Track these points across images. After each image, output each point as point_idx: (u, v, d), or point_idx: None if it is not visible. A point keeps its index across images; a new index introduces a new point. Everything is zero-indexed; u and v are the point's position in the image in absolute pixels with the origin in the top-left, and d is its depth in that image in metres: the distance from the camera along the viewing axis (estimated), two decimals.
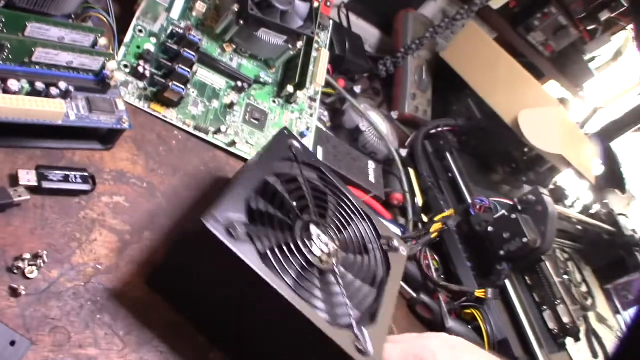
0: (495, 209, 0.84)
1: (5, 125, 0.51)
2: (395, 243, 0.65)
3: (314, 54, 0.83)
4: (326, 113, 0.88)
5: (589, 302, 1.02)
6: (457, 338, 0.61)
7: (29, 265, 0.50)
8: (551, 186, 1.26)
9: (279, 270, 0.50)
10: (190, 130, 0.69)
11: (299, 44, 0.76)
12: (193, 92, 0.71)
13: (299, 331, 0.51)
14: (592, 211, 1.19)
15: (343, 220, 0.61)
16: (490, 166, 1.09)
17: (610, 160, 1.27)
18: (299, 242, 0.54)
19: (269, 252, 0.50)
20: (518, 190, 1.16)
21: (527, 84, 0.97)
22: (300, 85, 0.77)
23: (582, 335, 0.97)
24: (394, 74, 1.05)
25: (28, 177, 0.53)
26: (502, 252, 0.82)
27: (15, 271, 0.49)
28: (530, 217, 0.83)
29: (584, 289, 1.04)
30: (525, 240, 0.80)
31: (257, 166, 0.57)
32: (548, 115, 0.93)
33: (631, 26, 1.27)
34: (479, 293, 0.82)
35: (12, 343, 0.46)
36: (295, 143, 0.62)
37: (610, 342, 1.05)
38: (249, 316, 0.54)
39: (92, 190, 0.56)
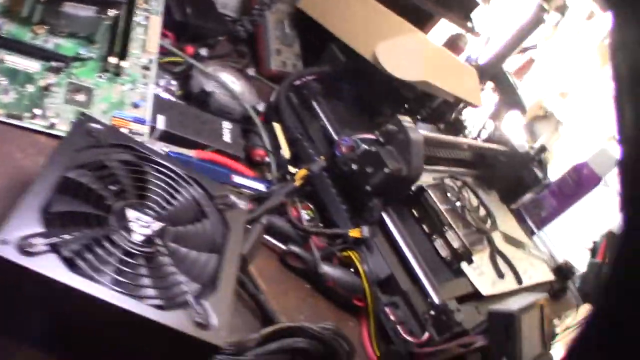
0: (357, 146, 0.82)
1: None
2: (232, 200, 0.63)
3: (142, 21, 0.80)
4: (174, 82, 0.85)
5: (488, 224, 1.01)
6: None
7: None
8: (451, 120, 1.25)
9: (92, 272, 0.47)
10: (2, 118, 0.65)
11: (111, 13, 0.73)
12: (3, 81, 0.67)
13: (133, 327, 0.49)
14: (484, 136, 1.18)
15: (167, 193, 0.58)
16: (375, 109, 1.06)
17: (504, 83, 1.27)
18: (113, 234, 0.51)
19: (76, 257, 0.47)
20: None
21: (385, 18, 0.95)
22: (122, 55, 0.74)
23: (484, 257, 0.96)
24: (254, 33, 1.02)
25: None
26: (368, 188, 0.80)
27: None
28: (395, 148, 0.82)
29: (482, 212, 1.03)
30: (387, 170, 0.78)
31: (53, 164, 0.53)
32: (408, 43, 0.91)
33: None
34: (353, 233, 0.80)
35: None
36: (96, 125, 0.58)
37: (522, 260, 1.05)
38: (81, 326, 0.51)
39: None
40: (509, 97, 1.25)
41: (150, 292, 0.50)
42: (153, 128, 0.75)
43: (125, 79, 0.76)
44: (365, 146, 0.81)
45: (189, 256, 0.55)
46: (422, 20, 1.30)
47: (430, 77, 0.92)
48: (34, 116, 0.67)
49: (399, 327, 0.78)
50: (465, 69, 1.09)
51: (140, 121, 0.73)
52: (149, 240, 0.53)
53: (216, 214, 0.61)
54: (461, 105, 1.24)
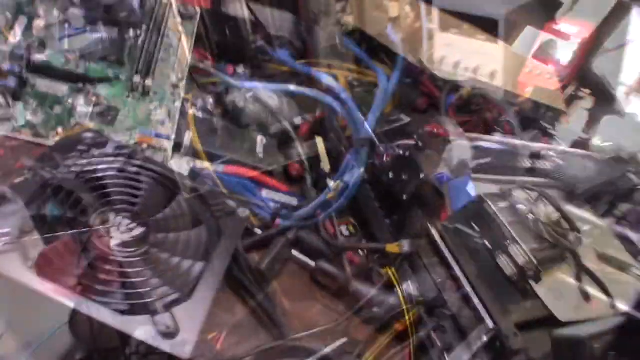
0: (395, 152, 0.75)
1: None
2: (231, 207, 0.60)
3: (174, 42, 0.81)
4: (211, 100, 0.84)
5: (571, 238, 0.87)
6: None
7: None
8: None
9: (56, 273, 0.47)
10: (28, 138, 0.68)
11: (132, 33, 0.74)
12: (33, 103, 0.71)
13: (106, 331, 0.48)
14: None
15: (157, 200, 0.57)
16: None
17: (597, 86, 1.12)
18: (84, 237, 0.50)
19: (41, 257, 0.47)
20: None
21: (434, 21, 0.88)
22: (146, 74, 0.75)
23: (565, 277, 0.82)
24: (305, 50, 1.00)
25: None
26: (405, 197, 0.72)
27: None
28: (436, 152, 0.74)
29: (565, 226, 0.89)
30: (422, 176, 0.70)
31: (37, 168, 0.54)
32: (455, 44, 0.84)
33: None
34: (391, 248, 0.72)
35: None
36: (89, 134, 0.59)
37: (620, 281, 0.89)
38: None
39: None
40: (604, 101, 1.10)
41: (117, 296, 0.48)
42: (180, 144, 0.75)
43: (153, 98, 0.77)
44: (400, 152, 0.74)
45: (169, 262, 0.52)
46: (504, 29, 1.21)
47: (485, 76, 0.83)
48: (57, 135, 0.69)
49: (446, 354, 0.68)
50: (541, 71, 0.98)
51: (164, 137, 0.73)
52: (127, 245, 0.51)
53: (211, 221, 0.57)
54: (550, 113, 1.12)
